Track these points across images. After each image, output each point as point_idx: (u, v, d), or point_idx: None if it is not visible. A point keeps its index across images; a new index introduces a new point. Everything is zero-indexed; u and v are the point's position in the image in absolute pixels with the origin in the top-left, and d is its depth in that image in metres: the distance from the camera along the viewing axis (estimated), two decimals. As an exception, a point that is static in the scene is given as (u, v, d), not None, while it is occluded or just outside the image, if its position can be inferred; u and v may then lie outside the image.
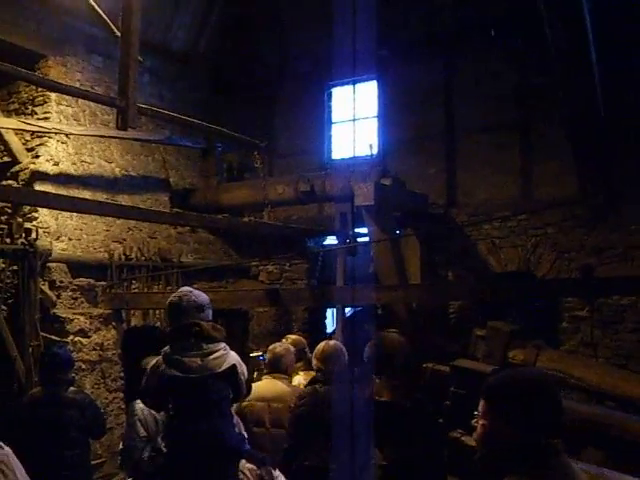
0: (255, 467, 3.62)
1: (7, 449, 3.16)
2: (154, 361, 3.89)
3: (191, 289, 4.18)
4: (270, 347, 6.14)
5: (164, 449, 3.73)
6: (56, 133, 9.07)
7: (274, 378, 5.90)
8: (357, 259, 9.99)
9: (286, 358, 6.01)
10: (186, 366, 3.69)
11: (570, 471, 2.46)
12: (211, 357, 3.75)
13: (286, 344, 6.28)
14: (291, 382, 6.25)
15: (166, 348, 3.86)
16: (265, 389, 5.73)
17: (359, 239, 10.25)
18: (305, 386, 5.79)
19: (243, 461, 3.59)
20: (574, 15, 7.62)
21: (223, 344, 3.86)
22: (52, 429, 5.80)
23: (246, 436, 3.99)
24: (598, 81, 8.20)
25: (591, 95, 8.27)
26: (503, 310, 8.81)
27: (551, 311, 9.42)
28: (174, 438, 3.64)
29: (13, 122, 8.80)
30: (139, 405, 4.74)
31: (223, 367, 3.72)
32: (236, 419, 3.98)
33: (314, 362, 5.66)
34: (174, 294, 4.14)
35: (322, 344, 5.79)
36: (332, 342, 5.96)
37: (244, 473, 3.46)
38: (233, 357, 3.89)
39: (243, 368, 3.91)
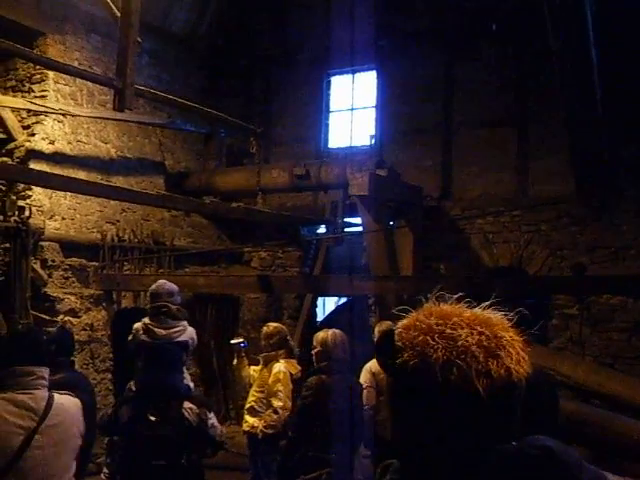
0: (195, 407, 4.73)
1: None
2: (136, 325, 5.33)
3: (166, 281, 5.63)
4: (379, 327, 6.62)
5: (133, 388, 5.06)
6: (64, 114, 9.04)
7: None
8: (348, 249, 10.00)
9: None
10: (154, 334, 5.14)
11: None
12: (172, 330, 5.19)
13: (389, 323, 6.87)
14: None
15: (145, 319, 5.28)
16: None
17: (350, 229, 10.29)
18: (308, 375, 5.83)
19: (187, 402, 4.72)
20: (576, 13, 7.62)
21: (184, 322, 5.33)
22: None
23: (192, 386, 5.30)
24: (598, 80, 8.21)
25: (590, 94, 8.27)
26: (493, 304, 8.84)
27: (541, 308, 9.44)
28: (141, 381, 4.87)
29: (19, 101, 8.76)
30: None
31: (179, 338, 5.19)
32: (186, 374, 5.23)
33: (317, 349, 5.75)
34: (154, 284, 5.54)
35: (326, 333, 5.84)
36: (337, 331, 5.96)
37: (186, 409, 4.67)
38: (189, 333, 5.33)
39: (194, 342, 5.43)
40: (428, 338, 1.36)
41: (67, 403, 3.71)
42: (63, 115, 9.22)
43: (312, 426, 5.44)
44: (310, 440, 5.42)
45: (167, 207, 10.24)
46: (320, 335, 5.86)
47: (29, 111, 9.08)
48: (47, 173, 8.16)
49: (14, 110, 9.07)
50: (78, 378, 5.63)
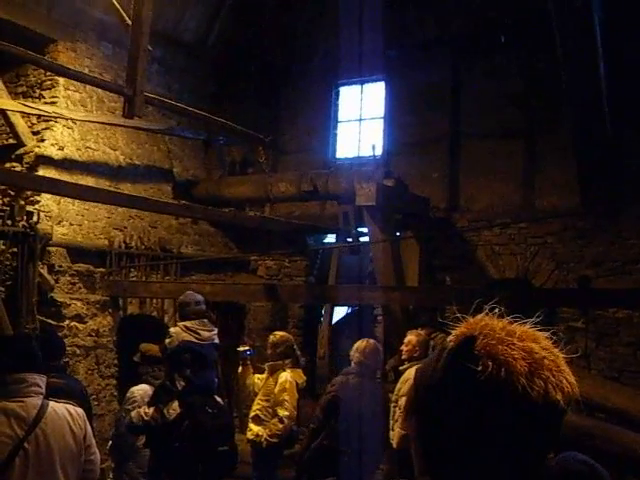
0: (221, 400, 5.67)
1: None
2: (173, 329, 6.11)
3: (191, 291, 6.49)
4: (413, 335, 6.97)
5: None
6: (66, 119, 9.07)
7: None
8: (355, 259, 10.00)
9: None
10: (200, 335, 5.87)
11: None
12: (212, 333, 6.01)
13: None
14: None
15: (185, 323, 6.02)
16: None
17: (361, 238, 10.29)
18: (338, 375, 6.65)
19: (216, 396, 5.58)
20: (584, 26, 7.64)
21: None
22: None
23: (216, 381, 6.01)
24: (605, 93, 8.22)
25: (598, 107, 8.29)
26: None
27: (547, 321, 9.41)
28: (192, 379, 5.45)
29: (30, 108, 8.80)
30: (139, 392, 5.80)
31: (215, 340, 6.08)
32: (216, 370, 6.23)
33: (356, 355, 6.46)
34: (182, 295, 6.42)
35: (364, 341, 6.61)
36: (372, 340, 6.73)
37: (216, 399, 5.53)
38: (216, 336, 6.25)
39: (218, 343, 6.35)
40: (507, 348, 1.30)
41: (62, 412, 3.61)
42: (72, 121, 9.27)
43: (332, 420, 6.18)
44: (328, 432, 6.19)
45: (186, 216, 10.52)
46: (357, 343, 6.61)
47: (39, 117, 9.14)
48: (67, 182, 8.33)
49: (24, 116, 9.12)
50: (69, 382, 5.61)
